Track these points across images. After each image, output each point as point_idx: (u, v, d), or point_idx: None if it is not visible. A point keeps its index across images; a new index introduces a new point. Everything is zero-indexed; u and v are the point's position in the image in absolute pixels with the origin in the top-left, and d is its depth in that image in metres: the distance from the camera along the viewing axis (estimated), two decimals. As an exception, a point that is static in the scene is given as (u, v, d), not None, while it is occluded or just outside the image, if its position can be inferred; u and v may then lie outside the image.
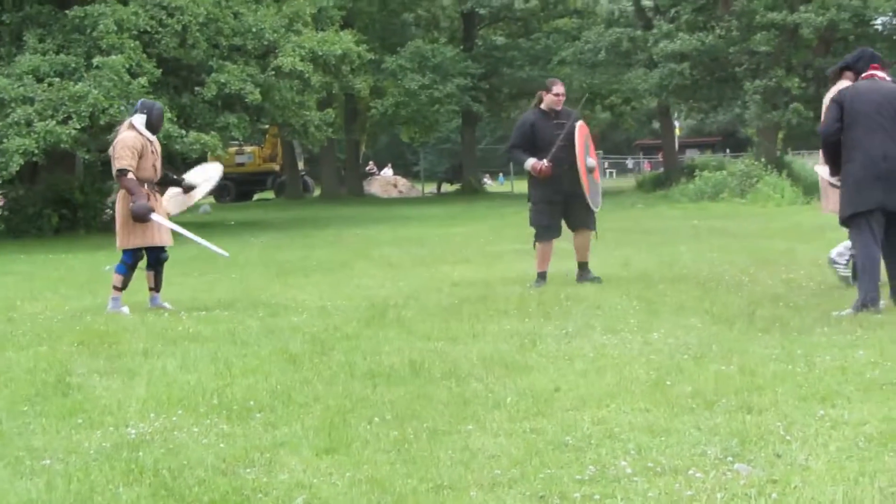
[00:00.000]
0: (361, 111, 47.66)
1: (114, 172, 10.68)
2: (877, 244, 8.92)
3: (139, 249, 10.82)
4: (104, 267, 15.76)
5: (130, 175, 10.47)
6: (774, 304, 9.45)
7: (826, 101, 9.73)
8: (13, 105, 22.30)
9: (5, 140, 22.01)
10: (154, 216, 10.62)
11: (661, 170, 49.27)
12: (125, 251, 10.82)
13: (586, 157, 11.62)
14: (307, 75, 26.87)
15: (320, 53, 27.49)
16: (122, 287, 10.86)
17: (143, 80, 23.08)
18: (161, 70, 24.26)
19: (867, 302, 8.70)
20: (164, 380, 7.25)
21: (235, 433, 5.82)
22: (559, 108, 11.84)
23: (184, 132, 23.81)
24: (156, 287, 11.11)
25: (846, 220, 9.13)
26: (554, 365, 7.23)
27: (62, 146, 22.75)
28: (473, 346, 8.10)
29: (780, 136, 40.38)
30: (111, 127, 22.42)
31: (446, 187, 56.56)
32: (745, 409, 5.83)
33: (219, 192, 48.31)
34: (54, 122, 22.09)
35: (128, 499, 4.78)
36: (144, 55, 23.88)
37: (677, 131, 55.81)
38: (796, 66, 35.20)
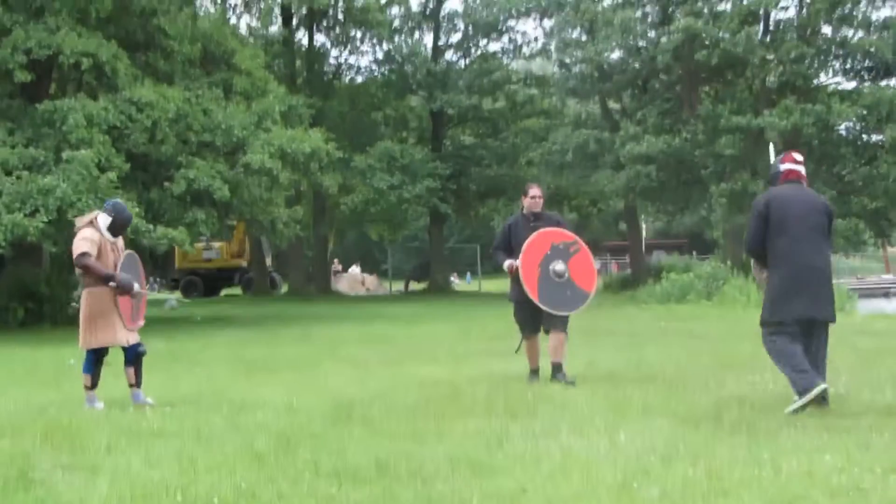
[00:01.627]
0: (330, 208, 47.76)
1: (75, 263, 10.55)
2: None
3: (102, 347, 10.73)
4: (69, 361, 15.67)
5: (92, 259, 10.39)
6: (741, 406, 9.46)
7: None
8: (-19, 197, 22.26)
9: (-28, 233, 21.94)
10: (136, 287, 10.62)
11: (629, 271, 49.45)
12: (88, 350, 10.72)
13: (550, 262, 11.79)
14: (276, 172, 26.88)
15: (289, 151, 27.49)
16: (93, 386, 10.74)
17: (111, 175, 23.09)
18: (130, 165, 24.27)
19: (807, 386, 8.94)
20: (128, 476, 7.18)
21: (199, 531, 5.77)
22: (537, 209, 12.09)
23: (152, 227, 23.81)
24: (136, 383, 10.94)
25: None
26: (520, 466, 7.21)
27: (29, 239, 22.67)
28: (440, 445, 8.07)
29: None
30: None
31: (414, 286, 56.56)
32: (712, 512, 5.82)
33: (186, 287, 48.41)
34: (21, 214, 22.01)
35: None
36: (114, 150, 23.90)
37: (644, 233, 56.17)
38: (761, 170, 35.43)
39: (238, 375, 13.78)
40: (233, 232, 45.83)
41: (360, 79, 51.68)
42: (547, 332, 11.95)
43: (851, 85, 38.01)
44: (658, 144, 35.48)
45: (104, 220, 10.70)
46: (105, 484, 6.96)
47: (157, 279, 58.16)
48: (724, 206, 34.31)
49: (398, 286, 58.48)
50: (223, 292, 51.25)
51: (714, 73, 37.99)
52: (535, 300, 11.68)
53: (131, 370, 10.88)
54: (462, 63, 49.79)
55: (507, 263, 11.80)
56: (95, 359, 10.75)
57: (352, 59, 56.17)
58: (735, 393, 10.38)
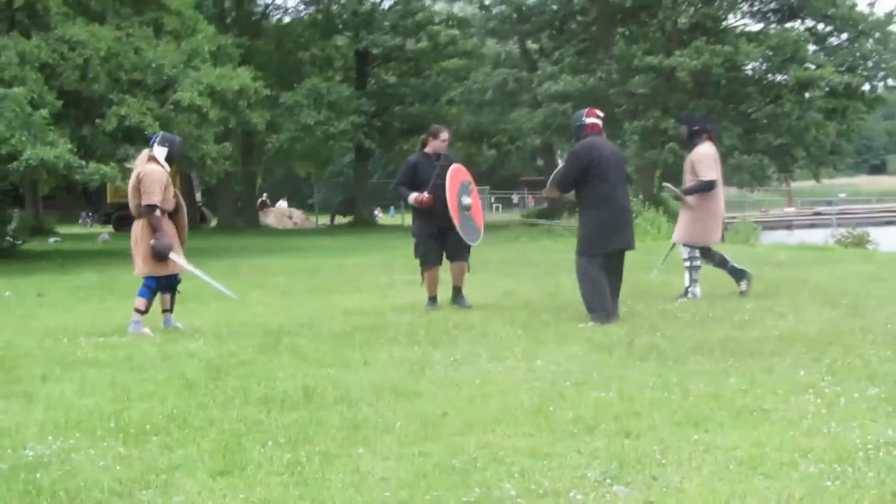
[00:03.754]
0: (258, 145, 47.39)
1: (136, 205, 10.57)
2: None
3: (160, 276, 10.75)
4: (4, 293, 15.48)
5: (158, 212, 10.47)
6: (651, 334, 9.56)
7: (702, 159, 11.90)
8: (-88, 134, 21.87)
9: None
10: (171, 255, 10.61)
11: (545, 205, 49.59)
12: (148, 277, 10.70)
13: (461, 195, 12.11)
14: (205, 110, 26.69)
15: (218, 89, 27.34)
16: (144, 311, 10.73)
17: (44, 112, 22.74)
18: (62, 102, 23.92)
19: (599, 312, 10.35)
20: (62, 404, 7.12)
21: (132, 456, 5.74)
22: (444, 152, 12.37)
23: (84, 163, 23.54)
24: (170, 308, 11.06)
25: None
26: (442, 391, 7.24)
27: (-38, 175, 22.41)
28: (365, 372, 8.09)
29: (658, 173, 40.89)
30: (12, 157, 22.13)
31: (339, 219, 56.45)
32: (624, 433, 5.88)
33: (118, 221, 47.82)
34: (-46, 151, 21.70)
35: (24, 521, 4.69)
36: (46, 87, 23.55)
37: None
38: (672, 108, 35.71)
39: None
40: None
41: (287, 19, 51.29)
42: (451, 261, 12.27)
43: (758, 27, 38.33)
44: (574, 83, 35.61)
45: (161, 152, 10.75)
46: (40, 411, 6.91)
47: (90, 213, 57.42)
48: (636, 142, 34.55)
49: (324, 220, 58.32)
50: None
51: (628, 14, 38.14)
52: (457, 227, 11.92)
53: (168, 296, 11.01)
54: (386, 4, 49.49)
55: (413, 196, 12.02)
56: (156, 286, 10.79)
57: (279, 0, 55.52)
58: (645, 321, 10.48)
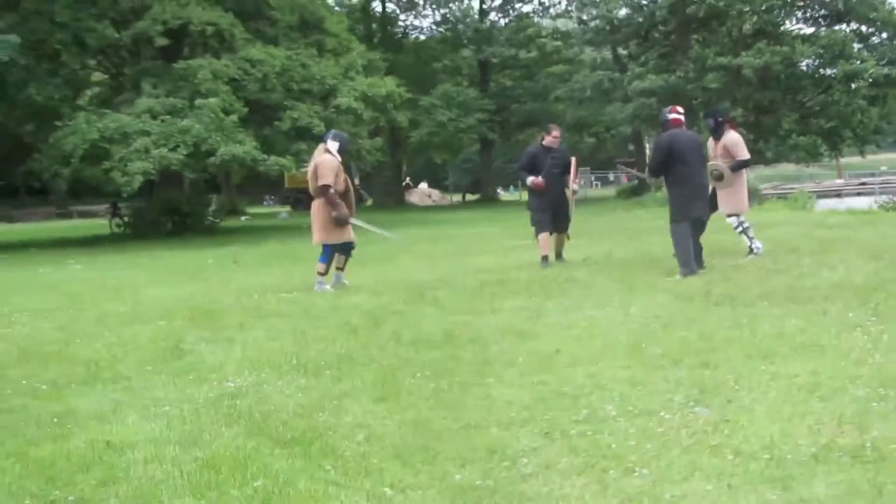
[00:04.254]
0: (402, 139, 47.66)
1: (316, 186, 10.77)
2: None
3: (334, 245, 11.00)
4: (209, 260, 15.84)
5: (332, 190, 10.69)
6: (726, 284, 9.42)
7: (736, 142, 11.84)
8: (135, 137, 22.52)
9: (129, 164, 22.20)
10: (350, 220, 10.93)
11: (636, 182, 48.94)
12: (325, 245, 10.94)
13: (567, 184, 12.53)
14: (360, 112, 27.00)
15: (369, 94, 27.57)
16: (325, 273, 11.01)
17: (234, 117, 23.25)
18: (248, 109, 24.36)
19: (689, 265, 10.32)
20: (255, 346, 7.31)
21: (310, 386, 5.86)
22: (556, 146, 12.53)
23: (266, 157, 24.00)
24: (342, 267, 11.31)
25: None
26: (555, 332, 7.24)
27: (172, 168, 23.02)
28: (493, 318, 8.12)
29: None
30: (210, 153, 22.65)
31: (469, 197, 56.49)
32: (703, 365, 5.83)
33: (295, 202, 48.56)
34: (166, 149, 22.31)
35: (228, 436, 4.83)
36: (234, 97, 24.00)
37: (648, 151, 55.53)
38: (740, 99, 35.24)
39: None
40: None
41: (422, 37, 51.34)
42: (557, 232, 12.51)
43: (811, 30, 37.40)
44: (658, 81, 35.17)
45: (334, 146, 10.95)
46: (238, 352, 7.10)
47: (272, 197, 58.33)
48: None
49: (457, 198, 58.45)
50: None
51: (701, 23, 37.47)
52: (570, 207, 12.50)
53: (343, 258, 11.26)
54: (502, 22, 49.30)
55: (531, 180, 12.27)
56: (331, 252, 11.02)
57: (416, 22, 55.71)
58: (721, 274, 10.33)
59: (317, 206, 10.90)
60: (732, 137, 11.91)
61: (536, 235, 12.47)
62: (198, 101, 23.18)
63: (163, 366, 6.75)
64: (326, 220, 10.78)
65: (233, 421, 5.11)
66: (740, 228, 11.86)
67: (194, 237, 24.80)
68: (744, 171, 12.03)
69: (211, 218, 28.72)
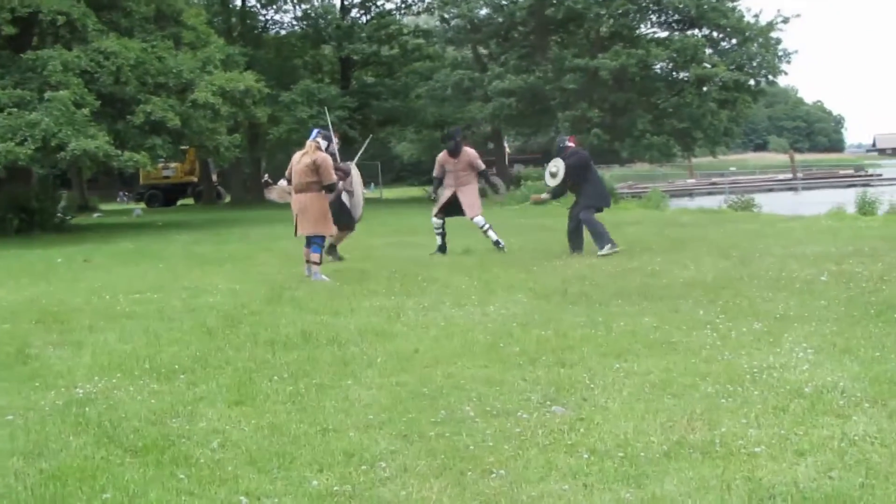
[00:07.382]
0: (261, 135, 47.07)
1: (309, 182, 11.17)
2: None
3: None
4: (56, 260, 15.32)
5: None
6: (581, 283, 9.60)
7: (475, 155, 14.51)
8: (-22, 130, 21.59)
9: (-27, 158, 21.31)
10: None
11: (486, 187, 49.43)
12: (317, 237, 11.20)
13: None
14: (217, 107, 26.47)
15: (228, 89, 27.11)
16: (320, 262, 11.24)
17: (85, 111, 22.47)
18: (100, 102, 23.63)
19: (608, 242, 12.39)
20: (106, 349, 7.09)
21: (163, 391, 5.72)
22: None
23: (119, 152, 23.35)
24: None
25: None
26: (413, 332, 7.26)
27: (20, 163, 22.21)
28: (351, 318, 8.09)
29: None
30: (60, 147, 21.90)
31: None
32: (560, 364, 5.92)
33: (149, 198, 47.45)
34: (13, 143, 21.43)
35: (76, 446, 4.67)
36: (86, 90, 23.24)
37: (507, 150, 56.17)
38: (596, 101, 36.01)
39: (192, 268, 13.59)
40: (185, 155, 44.75)
41: (283, 32, 50.80)
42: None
43: (665, 34, 38.50)
44: (517, 81, 35.73)
45: (324, 143, 11.53)
46: (88, 356, 6.87)
47: (126, 193, 56.87)
48: (567, 128, 34.61)
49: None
50: (179, 203, 50.31)
51: (560, 25, 38.18)
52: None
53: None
54: (364, 19, 49.18)
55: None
56: (322, 242, 11.39)
57: (277, 17, 54.91)
58: (577, 273, 10.52)
59: (309, 198, 11.19)
60: (471, 152, 14.21)
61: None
62: (47, 94, 22.34)
63: (6, 372, 6.47)
64: (323, 212, 11.17)
65: (81, 430, 4.94)
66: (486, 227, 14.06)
67: (43, 235, 23.91)
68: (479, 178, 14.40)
69: (61, 215, 27.70)
